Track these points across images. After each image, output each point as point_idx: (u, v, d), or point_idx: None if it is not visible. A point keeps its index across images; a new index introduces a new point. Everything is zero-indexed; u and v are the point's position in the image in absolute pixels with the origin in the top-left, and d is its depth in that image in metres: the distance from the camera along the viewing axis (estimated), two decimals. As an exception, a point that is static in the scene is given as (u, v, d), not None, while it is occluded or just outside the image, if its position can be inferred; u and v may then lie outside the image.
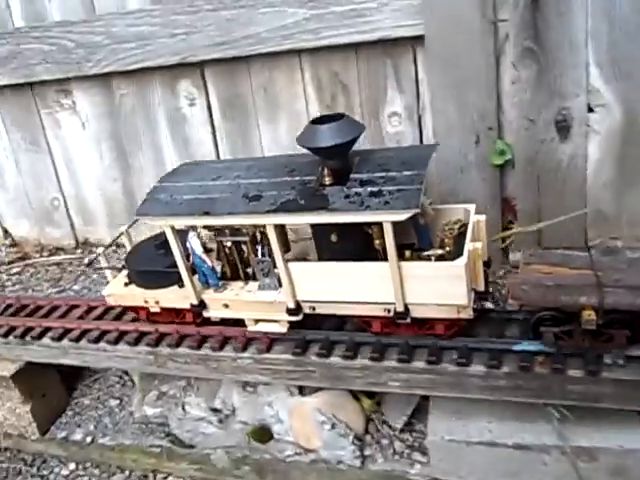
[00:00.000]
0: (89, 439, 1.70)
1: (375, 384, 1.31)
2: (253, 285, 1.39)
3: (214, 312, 1.41)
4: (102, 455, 1.68)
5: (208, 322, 1.47)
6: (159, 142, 2.28)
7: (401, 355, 1.25)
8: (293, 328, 1.36)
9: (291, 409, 1.48)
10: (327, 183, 1.20)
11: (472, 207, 1.33)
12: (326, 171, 1.21)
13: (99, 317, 1.60)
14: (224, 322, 1.45)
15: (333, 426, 1.43)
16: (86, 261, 1.72)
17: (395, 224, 1.13)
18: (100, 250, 1.52)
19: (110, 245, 1.63)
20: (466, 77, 1.67)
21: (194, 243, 1.37)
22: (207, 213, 1.26)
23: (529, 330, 1.21)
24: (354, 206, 1.14)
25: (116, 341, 1.51)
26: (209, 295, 1.40)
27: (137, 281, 1.50)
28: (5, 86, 2.35)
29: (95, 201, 2.48)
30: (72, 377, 1.86)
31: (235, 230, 1.35)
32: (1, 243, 2.66)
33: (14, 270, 2.44)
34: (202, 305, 1.41)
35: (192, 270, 1.39)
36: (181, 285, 1.41)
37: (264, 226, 1.24)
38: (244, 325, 1.41)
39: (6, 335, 1.63)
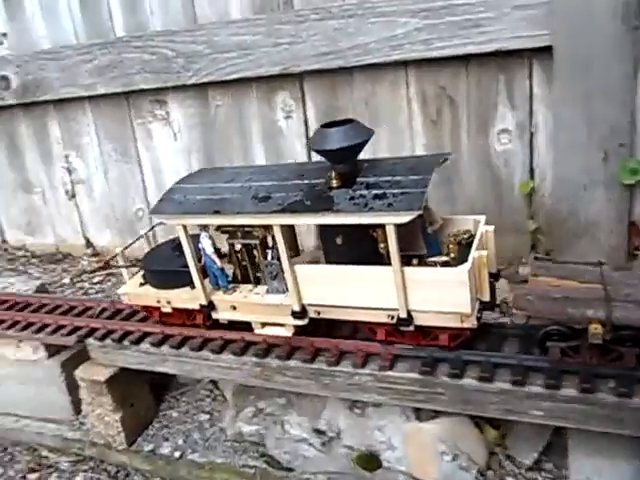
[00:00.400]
0: (177, 454, 1.61)
1: (513, 412, 1.18)
2: (262, 288, 1.39)
3: (222, 314, 1.42)
4: (190, 472, 1.59)
5: (217, 325, 1.47)
6: (251, 155, 2.24)
7: (548, 380, 1.12)
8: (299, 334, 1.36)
9: (406, 435, 1.36)
10: (334, 186, 1.21)
11: (482, 218, 1.32)
12: (334, 174, 1.21)
13: (200, 325, 1.52)
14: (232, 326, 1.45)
15: (454, 457, 1.30)
16: (101, 264, 1.73)
17: (400, 228, 1.13)
18: (118, 250, 1.56)
19: (129, 246, 1.65)
20: (598, 89, 1.57)
21: (205, 243, 1.39)
22: (217, 212, 1.29)
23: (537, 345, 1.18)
24: (357, 207, 1.15)
25: (220, 350, 1.42)
26: (218, 297, 1.41)
27: (151, 281, 1.53)
28: (102, 96, 2.35)
29: (180, 213, 2.43)
30: (160, 388, 1.78)
31: (246, 233, 1.37)
32: (83, 252, 2.64)
33: (96, 279, 2.40)
34: (211, 306, 1.42)
35: (204, 272, 1.42)
36: (192, 286, 1.42)
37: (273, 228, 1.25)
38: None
39: (102, 339, 1.56)
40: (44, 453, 1.81)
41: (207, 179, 1.43)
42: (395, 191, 1.14)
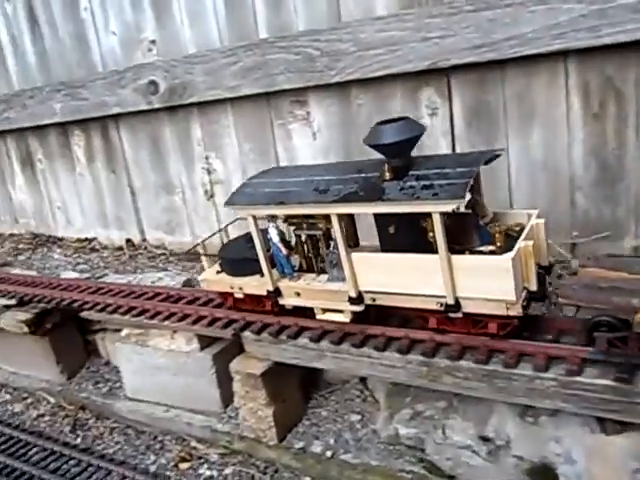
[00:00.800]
0: (329, 453, 1.58)
1: None
2: (324, 277, 1.49)
3: (288, 299, 1.53)
4: (342, 473, 1.55)
5: (285, 311, 1.57)
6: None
7: None
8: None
9: (590, 449, 1.24)
10: (387, 178, 1.29)
11: (534, 212, 1.35)
12: (387, 167, 1.29)
13: (360, 320, 1.47)
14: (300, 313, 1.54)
15: (649, 476, 1.16)
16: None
17: (453, 222, 1.21)
18: (199, 240, 1.74)
19: (208, 238, 1.79)
20: None
21: (272, 232, 1.51)
22: (281, 203, 1.42)
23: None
24: (406, 197, 1.23)
25: (384, 347, 1.36)
26: (284, 283, 1.53)
27: (227, 269, 1.65)
28: (244, 97, 2.40)
29: (316, 213, 2.43)
30: (308, 385, 1.76)
31: (311, 225, 1.46)
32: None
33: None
34: (277, 292, 1.53)
35: (272, 261, 1.53)
36: (262, 274, 1.53)
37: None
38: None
39: (259, 332, 1.56)
40: (193, 444, 1.83)
41: (276, 175, 1.56)
42: (442, 182, 1.21)
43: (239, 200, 1.52)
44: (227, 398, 1.83)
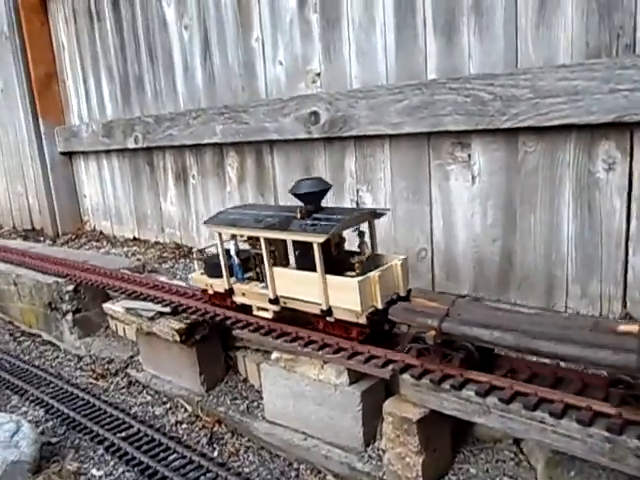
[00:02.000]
0: (481, 516, 1.50)
1: None
2: (263, 284, 2.00)
3: (237, 298, 2.09)
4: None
5: (237, 307, 2.12)
6: (558, 206, 2.10)
7: None
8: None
9: None
10: (297, 217, 1.79)
11: (402, 257, 1.83)
12: (299, 210, 1.80)
13: (539, 382, 1.40)
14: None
15: None
16: (194, 249, 2.52)
17: (329, 248, 1.77)
18: (198, 248, 2.45)
19: (205, 248, 2.34)
20: None
21: (231, 247, 2.06)
22: (233, 225, 2.00)
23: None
24: (299, 229, 1.75)
25: (561, 414, 1.28)
26: (236, 285, 2.08)
27: (206, 272, 2.19)
28: (404, 135, 2.41)
29: (465, 258, 2.38)
30: (456, 438, 1.69)
31: (258, 245, 1.93)
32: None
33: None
34: (231, 291, 2.09)
35: (231, 269, 2.07)
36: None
37: (273, 241, 1.91)
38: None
39: (419, 377, 1.52)
40: (329, 477, 1.82)
41: (242, 208, 2.15)
42: (323, 223, 1.71)
43: (211, 221, 2.10)
44: (369, 437, 1.80)
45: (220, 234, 2.04)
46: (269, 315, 1.97)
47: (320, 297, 1.75)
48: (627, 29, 1.84)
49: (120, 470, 2.01)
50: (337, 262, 1.81)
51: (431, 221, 2.45)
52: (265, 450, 2.03)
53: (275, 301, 1.91)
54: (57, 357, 3.08)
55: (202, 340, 2.28)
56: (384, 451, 1.67)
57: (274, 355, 1.97)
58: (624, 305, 2.00)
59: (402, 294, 1.80)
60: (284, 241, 1.95)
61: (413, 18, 2.31)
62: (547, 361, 1.47)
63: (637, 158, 1.93)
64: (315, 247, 1.69)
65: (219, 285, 2.12)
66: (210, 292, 2.19)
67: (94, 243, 4.28)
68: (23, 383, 2.71)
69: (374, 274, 1.70)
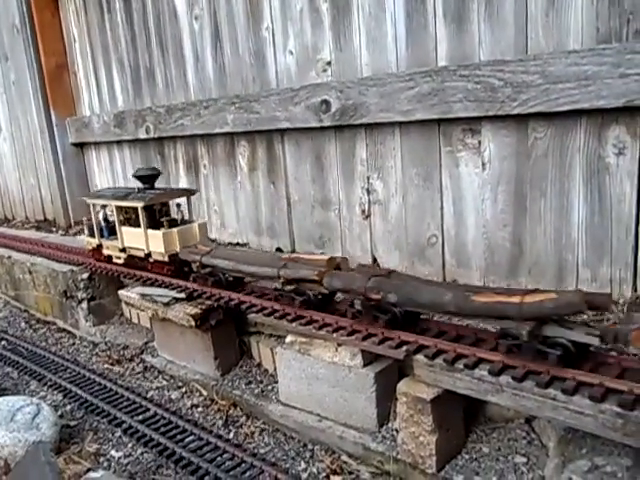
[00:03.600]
0: (491, 492, 1.53)
1: None
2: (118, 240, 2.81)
3: (104, 250, 2.92)
4: (503, 515, 1.49)
5: (106, 259, 2.96)
6: (568, 191, 2.12)
7: None
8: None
9: None
10: (136, 192, 2.66)
11: (202, 221, 2.78)
12: (138, 187, 2.70)
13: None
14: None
15: None
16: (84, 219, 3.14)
17: (145, 209, 2.57)
18: (84, 219, 3.12)
19: (90, 218, 2.98)
20: None
21: (101, 214, 2.86)
22: (99, 197, 2.87)
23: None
24: (130, 199, 2.63)
25: (573, 391, 1.31)
26: (103, 242, 2.91)
27: (88, 234, 3.01)
28: (414, 122, 2.43)
29: (475, 245, 2.40)
30: (469, 418, 1.72)
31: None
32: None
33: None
34: (100, 246, 2.93)
35: (102, 230, 2.90)
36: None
37: (125, 209, 2.73)
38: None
39: (433, 357, 1.56)
40: (344, 458, 1.86)
41: (111, 189, 3.10)
42: (147, 195, 2.59)
43: (86, 196, 3.00)
44: (383, 417, 1.84)
45: (93, 205, 2.88)
46: (121, 261, 2.81)
47: (144, 245, 2.59)
48: (637, 14, 1.85)
49: (139, 451, 2.06)
50: (160, 223, 2.57)
51: (441, 208, 2.48)
52: (280, 432, 2.08)
53: (123, 250, 2.76)
54: (73, 344, 3.13)
55: (216, 325, 2.32)
56: (398, 431, 1.71)
57: (288, 338, 2.00)
58: (634, 289, 2.02)
59: (208, 249, 2.47)
60: (136, 209, 2.59)
61: (423, 5, 2.33)
62: (455, 322, 1.79)
63: (647, 143, 1.94)
64: (140, 210, 2.54)
65: (94, 243, 2.94)
66: (89, 248, 3.02)
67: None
68: (41, 369, 2.76)
69: (175, 229, 2.53)
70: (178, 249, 2.51)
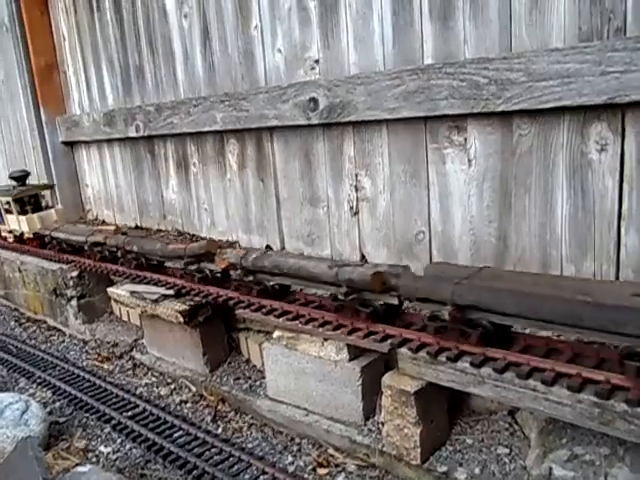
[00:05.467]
0: (474, 483, 1.56)
1: None
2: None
3: (2, 233, 3.91)
4: (485, 505, 1.52)
5: (4, 239, 4.03)
6: (551, 187, 2.14)
7: None
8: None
9: None
10: (13, 187, 3.74)
11: (59, 207, 3.92)
12: (14, 186, 3.78)
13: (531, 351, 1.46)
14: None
15: None
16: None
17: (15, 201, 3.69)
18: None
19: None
20: None
21: None
22: None
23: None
24: (7, 194, 3.73)
25: (552, 382, 1.34)
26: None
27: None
28: (401, 120, 2.45)
29: (462, 240, 2.42)
30: (453, 410, 1.75)
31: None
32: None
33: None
34: None
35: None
36: None
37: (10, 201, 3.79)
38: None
39: (416, 350, 1.58)
40: (330, 451, 1.88)
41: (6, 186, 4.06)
42: (15, 191, 3.72)
43: None
44: (369, 411, 1.86)
45: None
46: (11, 240, 3.80)
47: (19, 226, 3.61)
48: (618, 13, 1.88)
49: (127, 447, 2.07)
50: (25, 211, 3.56)
51: (428, 204, 2.50)
52: (268, 427, 2.10)
53: (10, 232, 3.78)
54: (63, 341, 3.14)
55: (205, 322, 2.34)
56: (383, 424, 1.73)
57: (276, 334, 2.02)
58: (616, 283, 2.05)
59: (57, 226, 3.47)
60: (9, 202, 3.64)
61: (409, 3, 2.35)
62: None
63: (628, 139, 1.97)
64: (11, 202, 3.62)
65: None
66: None
67: (96, 232, 4.33)
68: (30, 366, 2.77)
69: (35, 215, 3.54)
70: (38, 228, 3.59)
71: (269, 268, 1.92)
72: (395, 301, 1.67)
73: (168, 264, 2.75)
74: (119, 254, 2.95)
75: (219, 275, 2.38)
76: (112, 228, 3.48)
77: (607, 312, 1.25)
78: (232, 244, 3.29)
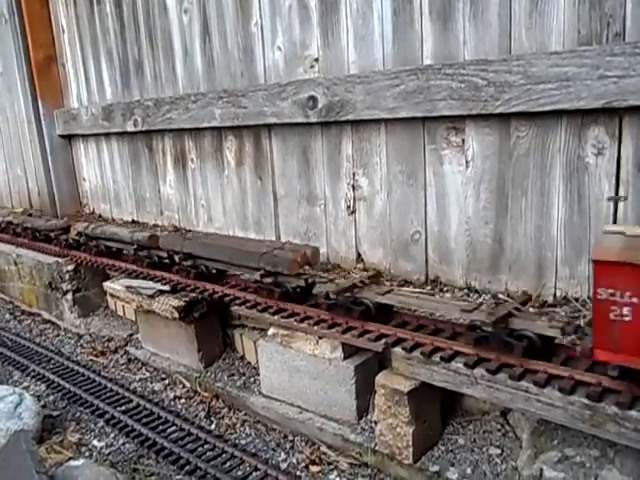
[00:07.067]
0: (465, 483, 1.57)
1: None
2: None
3: None
4: (476, 505, 1.53)
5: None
6: (548, 190, 2.15)
7: None
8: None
9: None
10: None
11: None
12: None
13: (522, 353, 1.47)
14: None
15: None
16: None
17: None
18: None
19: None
20: None
21: None
22: None
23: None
24: None
25: (544, 384, 1.35)
26: None
27: None
28: (400, 120, 2.46)
29: (458, 241, 2.43)
30: (446, 410, 1.76)
31: None
32: (353, 266, 2.76)
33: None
34: None
35: None
36: None
37: None
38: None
39: (410, 350, 1.59)
40: (323, 449, 1.89)
41: None
42: None
43: None
44: (362, 409, 1.87)
45: None
46: None
47: None
48: (617, 17, 1.89)
49: (120, 441, 2.08)
50: None
51: (425, 204, 2.51)
52: (261, 423, 2.10)
53: None
54: (57, 335, 3.14)
55: (200, 317, 2.34)
56: (376, 423, 1.74)
57: (271, 331, 2.03)
58: (610, 286, 2.05)
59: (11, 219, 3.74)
60: None
61: (410, 3, 2.35)
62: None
63: (625, 143, 1.98)
64: None
65: None
66: None
67: (93, 226, 4.33)
68: (24, 359, 2.77)
69: None
70: None
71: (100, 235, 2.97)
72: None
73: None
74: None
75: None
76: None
77: (239, 254, 2.17)
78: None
